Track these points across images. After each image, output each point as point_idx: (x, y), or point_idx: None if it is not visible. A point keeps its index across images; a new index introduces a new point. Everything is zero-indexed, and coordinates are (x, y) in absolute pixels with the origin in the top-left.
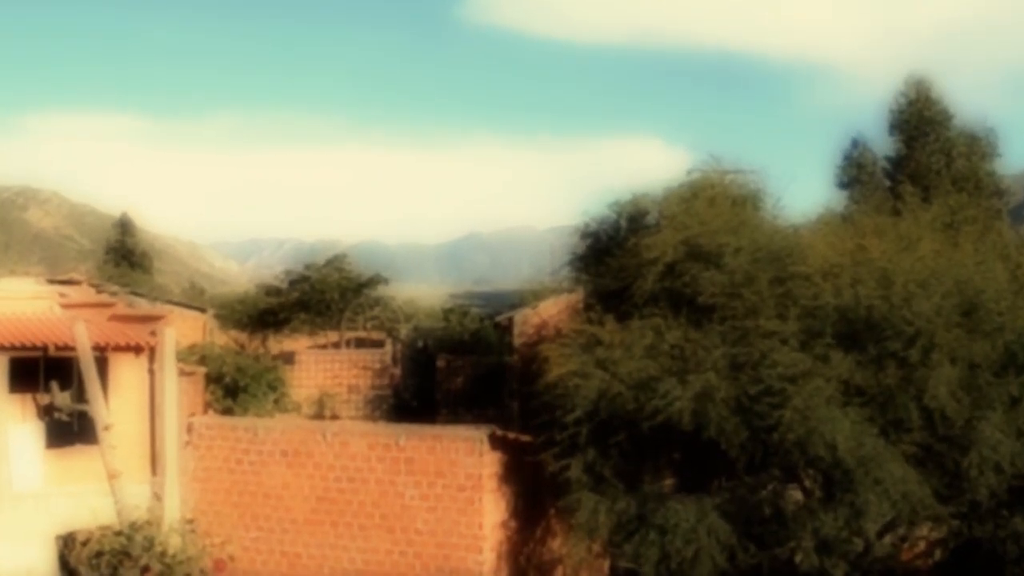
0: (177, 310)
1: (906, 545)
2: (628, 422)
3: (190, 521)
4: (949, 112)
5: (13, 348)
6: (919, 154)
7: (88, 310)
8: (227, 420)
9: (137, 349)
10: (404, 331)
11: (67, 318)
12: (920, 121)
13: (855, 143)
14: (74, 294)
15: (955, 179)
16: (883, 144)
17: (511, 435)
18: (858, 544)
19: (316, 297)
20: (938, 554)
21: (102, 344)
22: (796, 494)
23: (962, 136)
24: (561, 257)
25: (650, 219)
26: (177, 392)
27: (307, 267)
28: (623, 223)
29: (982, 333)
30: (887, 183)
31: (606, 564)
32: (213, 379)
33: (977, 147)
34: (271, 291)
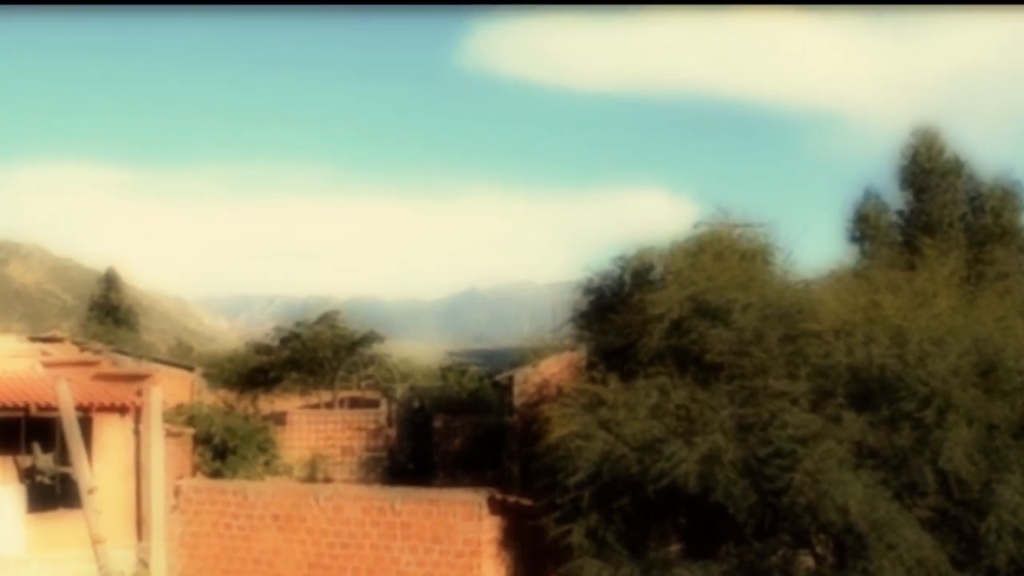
0: (164, 369)
1: None
2: (632, 485)
3: None
4: (960, 161)
5: None
6: (930, 206)
7: (71, 369)
8: (216, 483)
9: (122, 409)
10: (400, 390)
11: (49, 377)
12: (930, 172)
13: (866, 195)
14: (57, 352)
15: (976, 232)
16: (894, 196)
17: (511, 499)
18: None
19: (308, 355)
20: None
21: (86, 404)
22: (807, 560)
23: (995, 187)
24: (563, 313)
25: (655, 274)
26: (164, 454)
27: (299, 324)
28: (627, 278)
29: (1001, 393)
30: (900, 237)
31: None
32: (201, 440)
33: (1009, 199)
34: (261, 349)
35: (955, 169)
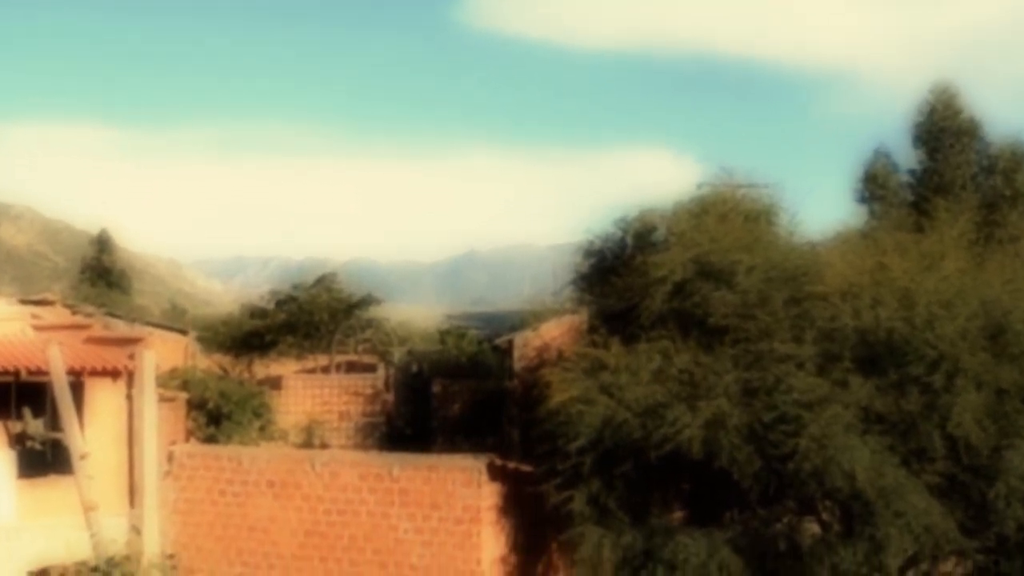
0: (157, 332)
1: None
2: (634, 451)
3: (171, 556)
4: (976, 122)
5: None
6: (944, 167)
7: (63, 332)
8: (210, 449)
9: (115, 374)
10: (398, 355)
11: (40, 341)
12: (945, 132)
13: (876, 155)
14: (48, 315)
15: (986, 194)
16: (906, 156)
17: (511, 465)
18: None
19: (304, 319)
20: None
21: (77, 368)
22: (813, 527)
23: (1006, 148)
24: (564, 276)
25: (658, 236)
26: (157, 419)
27: (295, 287)
28: (629, 240)
29: (1010, 357)
30: (910, 198)
31: None
32: (195, 405)
33: (1021, 162)
34: (257, 312)
35: (970, 130)
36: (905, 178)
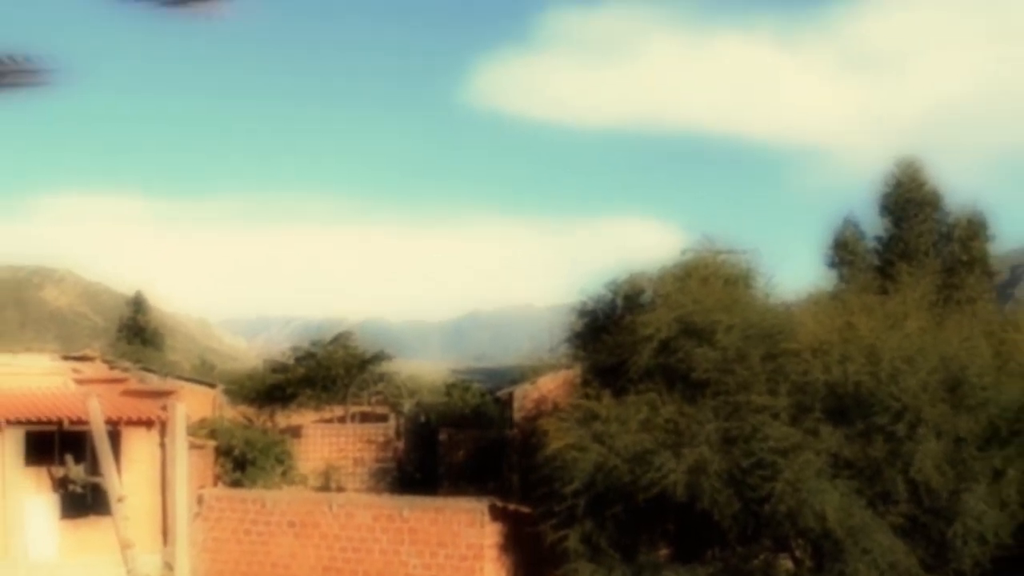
0: (188, 386)
1: None
2: (624, 494)
3: None
4: (938, 193)
5: (29, 422)
6: (908, 235)
7: (101, 385)
8: (236, 492)
9: (149, 423)
10: (407, 406)
11: (81, 393)
12: (909, 202)
13: (846, 224)
14: (88, 370)
15: (947, 259)
16: (873, 225)
17: (511, 507)
18: None
19: (322, 373)
20: None
21: (115, 418)
22: (787, 564)
23: (964, 217)
24: (559, 334)
25: (645, 297)
26: (188, 465)
27: (313, 344)
28: (619, 302)
29: (967, 408)
30: (876, 263)
31: None
32: (223, 452)
33: (978, 228)
34: (278, 367)
35: (932, 201)
36: (872, 244)
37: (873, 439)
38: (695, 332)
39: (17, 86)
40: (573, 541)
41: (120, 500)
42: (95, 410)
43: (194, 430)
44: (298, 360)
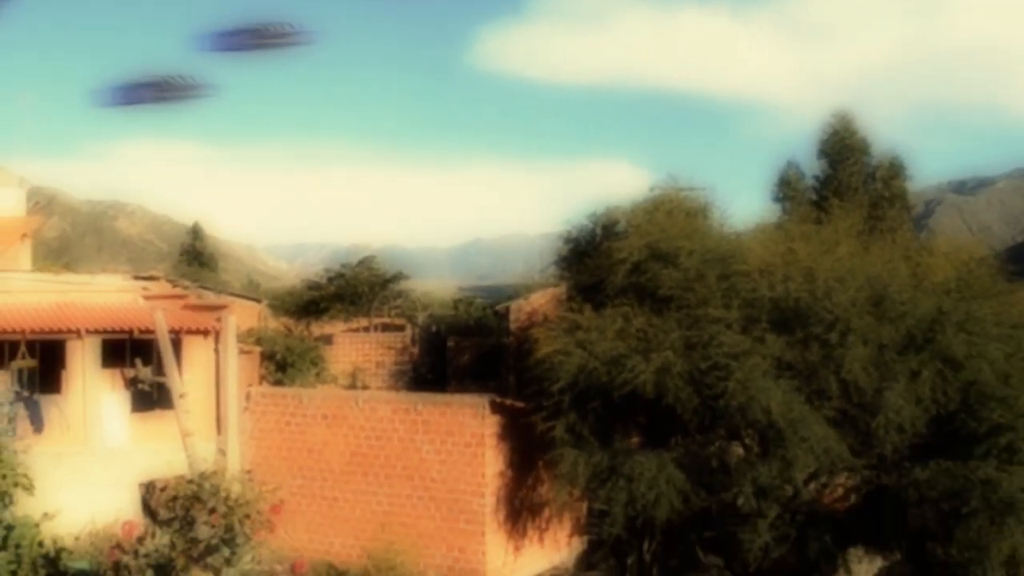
0: (238, 301)
1: (827, 491)
2: (602, 391)
3: (248, 472)
4: (866, 140)
5: (105, 332)
6: (841, 175)
7: (165, 301)
8: (278, 390)
9: (205, 332)
10: (421, 318)
11: (148, 307)
12: (842, 148)
13: (788, 165)
14: (154, 288)
15: (872, 195)
16: (811, 166)
17: (508, 402)
18: (788, 490)
19: (350, 290)
20: (853, 498)
21: (177, 328)
22: (738, 450)
23: (886, 160)
24: (548, 258)
25: (620, 227)
26: (237, 367)
27: (343, 266)
28: (598, 230)
29: (888, 319)
30: (813, 198)
31: (584, 506)
32: (267, 357)
33: (898, 170)
34: (313, 285)
35: (862, 147)
36: (810, 183)
37: (810, 345)
38: (661, 256)
39: None
40: (559, 431)
41: (181, 396)
42: (160, 321)
43: (243, 338)
44: (330, 280)
